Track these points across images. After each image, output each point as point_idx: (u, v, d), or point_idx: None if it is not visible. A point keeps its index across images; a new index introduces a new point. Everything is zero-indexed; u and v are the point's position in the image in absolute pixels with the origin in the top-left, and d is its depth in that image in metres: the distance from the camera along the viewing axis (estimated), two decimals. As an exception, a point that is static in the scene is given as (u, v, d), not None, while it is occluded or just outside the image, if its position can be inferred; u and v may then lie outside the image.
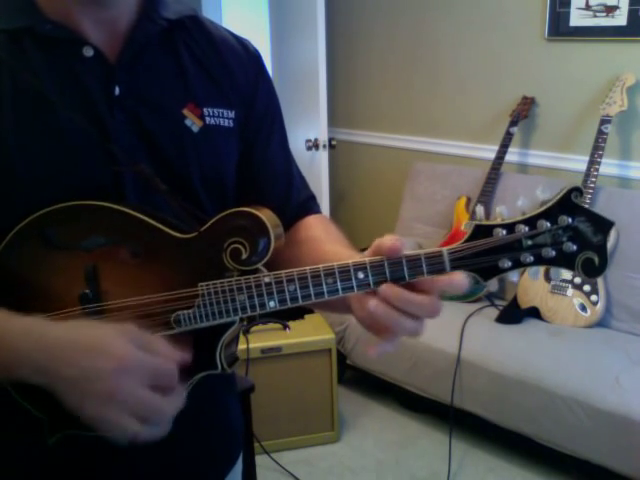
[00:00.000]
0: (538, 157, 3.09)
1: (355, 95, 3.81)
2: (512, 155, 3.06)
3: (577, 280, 2.64)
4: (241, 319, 0.79)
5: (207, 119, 0.89)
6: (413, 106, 3.54)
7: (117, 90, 0.84)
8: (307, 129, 3.34)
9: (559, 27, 2.91)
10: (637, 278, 2.59)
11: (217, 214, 0.80)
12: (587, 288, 2.63)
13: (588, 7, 2.80)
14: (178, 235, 0.80)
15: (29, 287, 0.81)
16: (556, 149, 3.02)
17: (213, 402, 0.99)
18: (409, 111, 3.56)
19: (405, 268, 0.72)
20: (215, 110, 0.90)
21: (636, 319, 2.61)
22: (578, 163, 2.84)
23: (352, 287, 0.74)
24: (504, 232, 0.71)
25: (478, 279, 0.72)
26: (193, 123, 0.88)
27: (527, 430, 2.41)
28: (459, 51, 3.28)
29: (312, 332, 2.69)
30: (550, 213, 0.70)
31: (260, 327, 2.70)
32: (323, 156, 3.31)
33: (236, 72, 0.93)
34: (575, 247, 0.70)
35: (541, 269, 0.72)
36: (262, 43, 3.66)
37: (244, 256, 0.78)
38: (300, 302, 0.76)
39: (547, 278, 2.71)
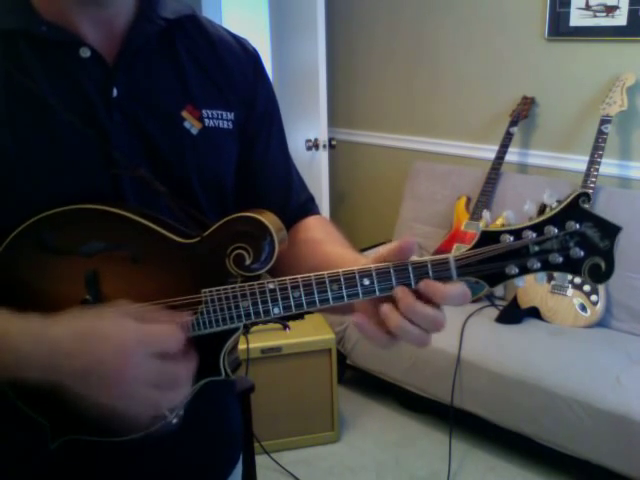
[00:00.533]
0: (538, 157, 3.08)
1: (355, 95, 3.80)
2: (512, 155, 3.06)
3: (577, 280, 2.64)
4: (245, 326, 0.78)
5: (206, 121, 0.88)
6: (413, 106, 3.54)
7: (115, 92, 0.82)
8: (307, 129, 3.34)
9: (559, 27, 2.91)
10: (637, 278, 2.59)
11: (217, 217, 0.79)
12: (587, 288, 2.63)
13: (588, 7, 2.80)
14: (180, 240, 0.79)
15: (28, 292, 0.80)
16: (556, 149, 3.02)
17: (212, 404, 0.98)
18: (409, 111, 3.56)
19: (411, 275, 0.71)
20: (214, 112, 0.89)
21: (636, 319, 2.61)
22: (578, 163, 2.84)
23: (357, 294, 0.73)
24: (511, 238, 0.70)
25: (484, 284, 0.72)
26: (192, 125, 0.87)
27: (527, 430, 2.40)
28: (459, 51, 3.28)
29: (312, 332, 2.69)
30: (557, 219, 0.69)
31: (260, 327, 2.70)
32: (323, 156, 3.31)
33: (235, 73, 0.93)
34: (582, 253, 0.69)
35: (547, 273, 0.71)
36: (262, 43, 3.66)
37: (248, 262, 0.77)
38: (305, 308, 0.75)
39: (547, 278, 2.71)
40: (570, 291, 2.66)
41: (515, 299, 2.79)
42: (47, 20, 0.80)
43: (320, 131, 3.29)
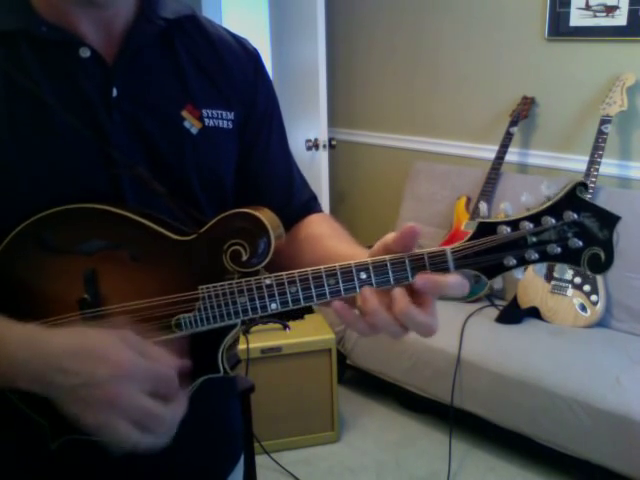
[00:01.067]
0: (538, 157, 3.08)
1: (355, 95, 3.80)
2: (512, 155, 3.06)
3: (577, 280, 2.64)
4: (242, 321, 0.78)
5: (206, 121, 0.88)
6: (413, 106, 3.54)
7: (115, 91, 0.82)
8: (307, 129, 3.34)
9: (559, 27, 2.91)
10: (637, 278, 2.59)
11: (216, 215, 0.79)
12: (587, 288, 2.63)
13: (588, 7, 2.80)
14: (177, 237, 0.79)
15: (27, 291, 0.80)
16: (556, 149, 3.02)
17: (213, 403, 0.98)
18: (409, 111, 3.56)
19: (408, 268, 0.71)
20: (214, 111, 0.89)
21: (636, 319, 2.61)
22: (578, 163, 2.84)
23: (354, 287, 0.72)
24: (508, 229, 0.69)
25: (482, 277, 0.71)
26: (192, 125, 0.87)
27: (527, 430, 2.40)
28: (459, 51, 3.28)
29: (312, 332, 2.69)
30: (555, 209, 0.68)
31: (260, 327, 2.70)
32: (323, 156, 3.31)
33: (235, 72, 0.92)
34: (581, 243, 0.68)
35: (546, 264, 0.70)
36: (262, 43, 3.66)
37: (244, 258, 0.77)
38: (302, 304, 0.74)
39: (547, 278, 2.71)
40: (570, 291, 2.66)
41: (515, 299, 2.79)
42: (47, 21, 0.80)
43: (320, 131, 3.29)
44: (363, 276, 0.72)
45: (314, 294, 0.73)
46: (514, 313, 2.72)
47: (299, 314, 2.80)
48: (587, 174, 2.61)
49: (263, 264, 0.77)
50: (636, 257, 2.55)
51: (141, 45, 0.85)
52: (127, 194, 0.83)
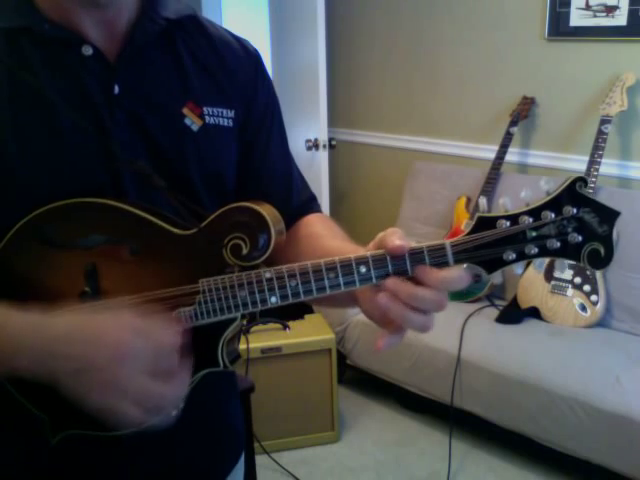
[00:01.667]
0: (538, 157, 3.09)
1: (355, 95, 3.80)
2: (512, 155, 3.06)
3: (577, 280, 2.64)
4: (242, 315, 0.78)
5: (207, 118, 0.89)
6: (413, 106, 3.54)
7: (116, 89, 0.83)
8: (307, 129, 3.34)
9: (559, 27, 2.91)
10: (637, 278, 2.59)
11: (217, 210, 0.80)
12: (587, 288, 2.63)
13: (588, 7, 2.80)
14: (178, 232, 0.80)
15: (29, 286, 0.81)
16: (556, 149, 3.02)
17: (215, 401, 0.99)
18: (409, 111, 3.56)
19: (408, 262, 0.71)
20: (215, 109, 0.90)
21: (636, 319, 2.61)
22: (578, 163, 2.84)
23: (354, 281, 0.73)
24: (508, 224, 0.69)
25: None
26: (193, 122, 0.88)
27: (527, 430, 2.41)
28: (459, 51, 3.28)
29: (312, 332, 2.69)
30: (554, 204, 0.68)
31: (260, 327, 2.70)
32: (323, 156, 3.31)
33: (236, 72, 0.93)
34: (580, 238, 0.68)
35: (546, 260, 0.70)
36: (262, 43, 3.66)
37: (245, 251, 0.77)
38: (302, 297, 0.75)
39: (547, 278, 2.71)
40: (570, 291, 2.66)
41: (515, 299, 2.79)
42: (50, 19, 0.81)
43: (320, 131, 3.29)
44: (363, 270, 0.72)
45: (314, 288, 0.74)
46: (514, 313, 2.73)
47: (299, 314, 2.80)
48: (587, 174, 2.61)
49: (263, 258, 0.78)
50: (636, 257, 2.55)
51: (143, 44, 0.85)
52: (128, 189, 0.84)
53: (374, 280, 0.72)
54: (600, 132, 2.65)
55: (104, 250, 0.80)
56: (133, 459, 0.89)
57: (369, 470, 2.60)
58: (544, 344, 2.51)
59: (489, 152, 3.09)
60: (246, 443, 1.16)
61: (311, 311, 2.85)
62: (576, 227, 0.68)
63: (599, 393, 2.23)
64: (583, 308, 2.63)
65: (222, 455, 1.02)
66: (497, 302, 2.88)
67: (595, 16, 2.79)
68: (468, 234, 0.71)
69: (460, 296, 2.86)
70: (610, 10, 2.74)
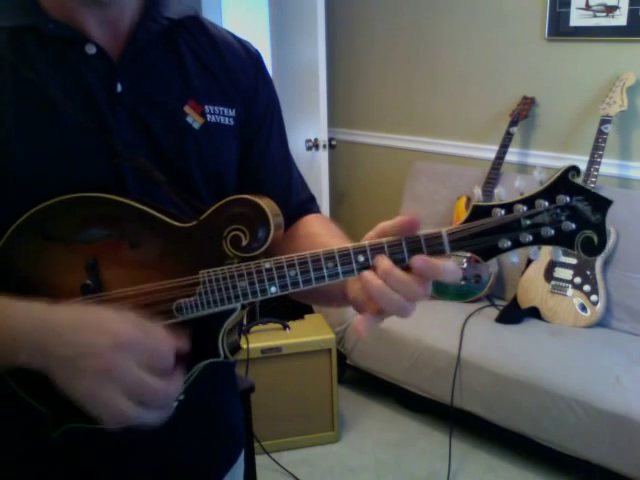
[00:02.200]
0: (538, 157, 3.08)
1: (355, 95, 3.81)
2: (512, 155, 3.06)
3: (577, 280, 2.64)
4: (243, 306, 0.79)
5: (208, 116, 0.90)
6: (413, 106, 3.54)
7: (119, 87, 0.84)
8: (307, 129, 3.34)
9: (559, 27, 2.91)
10: (637, 278, 2.59)
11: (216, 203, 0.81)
12: (587, 288, 2.63)
13: (588, 7, 2.80)
14: (178, 224, 0.81)
15: (31, 281, 0.81)
16: (556, 149, 3.02)
17: (215, 400, 0.99)
18: (409, 111, 3.56)
19: (405, 250, 0.72)
20: (216, 108, 0.90)
21: (636, 319, 2.61)
22: (578, 163, 2.76)
23: (352, 270, 0.74)
24: (502, 212, 0.71)
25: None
26: (194, 120, 0.89)
27: (527, 430, 2.41)
28: (459, 51, 3.28)
29: (312, 332, 2.69)
30: (548, 193, 0.70)
31: (260, 327, 2.70)
32: (323, 156, 3.31)
33: (237, 72, 0.94)
34: (574, 226, 0.70)
35: (542, 249, 0.72)
36: (262, 43, 3.66)
37: (244, 243, 0.78)
38: (301, 287, 0.75)
39: (547, 278, 2.71)
40: (570, 291, 2.66)
41: (515, 299, 2.79)
42: (54, 18, 0.82)
43: (320, 131, 3.29)
44: (361, 259, 0.73)
45: (313, 277, 0.75)
46: (514, 313, 2.73)
47: (299, 314, 2.80)
48: (587, 174, 2.61)
49: (262, 249, 0.79)
50: (636, 257, 2.54)
51: (145, 43, 0.86)
52: (129, 184, 0.84)
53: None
54: (600, 132, 2.65)
55: (105, 244, 0.81)
56: (133, 457, 0.89)
57: (369, 470, 2.60)
58: (544, 344, 2.51)
59: (489, 152, 3.09)
60: (246, 443, 1.17)
61: (311, 311, 2.85)
62: (569, 215, 0.70)
63: (599, 393, 2.23)
64: (583, 308, 2.63)
65: (222, 453, 1.02)
66: (497, 302, 2.88)
67: (595, 16, 2.79)
68: (464, 222, 0.72)
69: (460, 296, 2.86)
70: (610, 10, 2.74)
